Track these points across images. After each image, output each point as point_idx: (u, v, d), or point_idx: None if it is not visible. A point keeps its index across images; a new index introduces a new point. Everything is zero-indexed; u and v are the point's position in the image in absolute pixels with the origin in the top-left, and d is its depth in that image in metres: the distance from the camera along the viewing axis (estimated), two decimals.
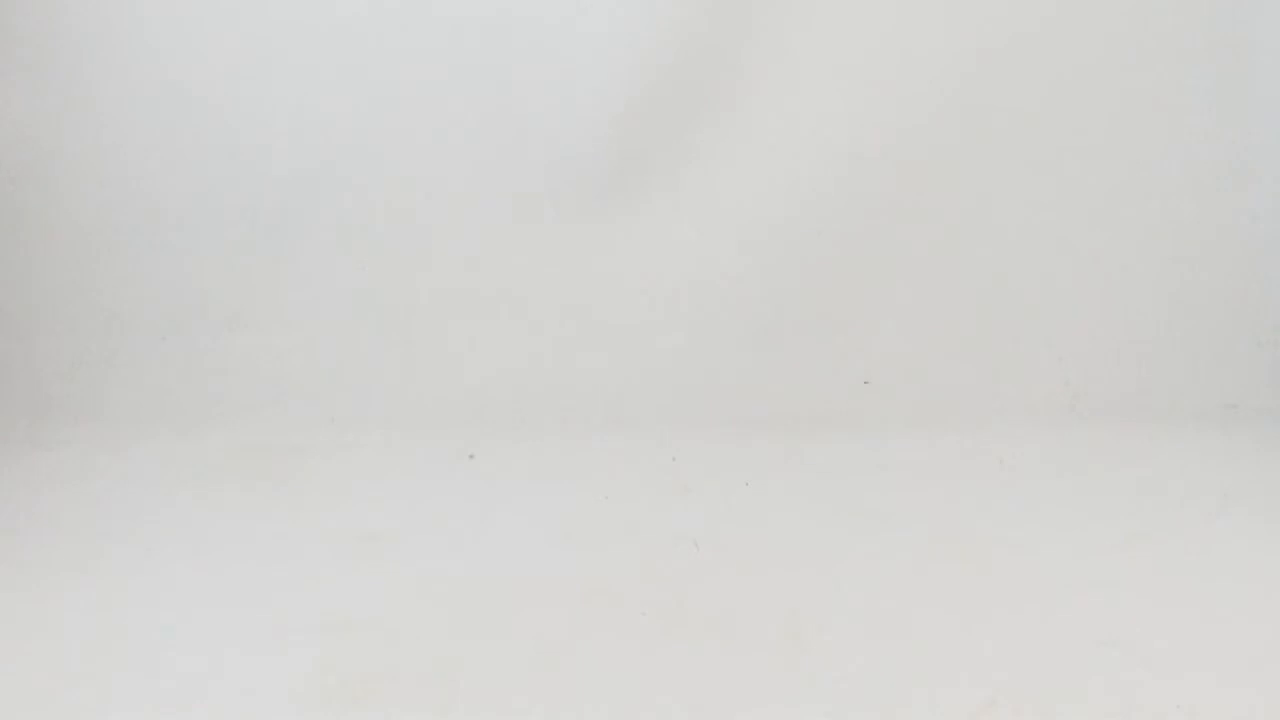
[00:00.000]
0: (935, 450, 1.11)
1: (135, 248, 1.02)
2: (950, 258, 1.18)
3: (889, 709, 0.71)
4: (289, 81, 1.17)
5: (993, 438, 1.11)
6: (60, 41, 1.05)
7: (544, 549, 0.94)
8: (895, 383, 1.16)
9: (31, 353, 1.01)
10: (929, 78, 1.16)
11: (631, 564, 0.90)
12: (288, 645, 0.79)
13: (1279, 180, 1.01)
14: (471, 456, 1.10)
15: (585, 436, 1.14)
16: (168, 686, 0.75)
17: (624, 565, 0.90)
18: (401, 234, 1.19)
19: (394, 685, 0.74)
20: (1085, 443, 1.12)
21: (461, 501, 1.03)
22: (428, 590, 0.87)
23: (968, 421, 1.14)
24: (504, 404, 1.16)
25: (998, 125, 1.17)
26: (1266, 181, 1.01)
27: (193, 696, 0.74)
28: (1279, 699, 0.72)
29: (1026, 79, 1.15)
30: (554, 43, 1.17)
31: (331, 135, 1.18)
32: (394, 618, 0.83)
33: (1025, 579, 0.87)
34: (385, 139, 1.18)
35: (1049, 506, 1.00)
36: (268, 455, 1.11)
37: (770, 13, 1.15)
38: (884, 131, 1.17)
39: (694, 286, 1.19)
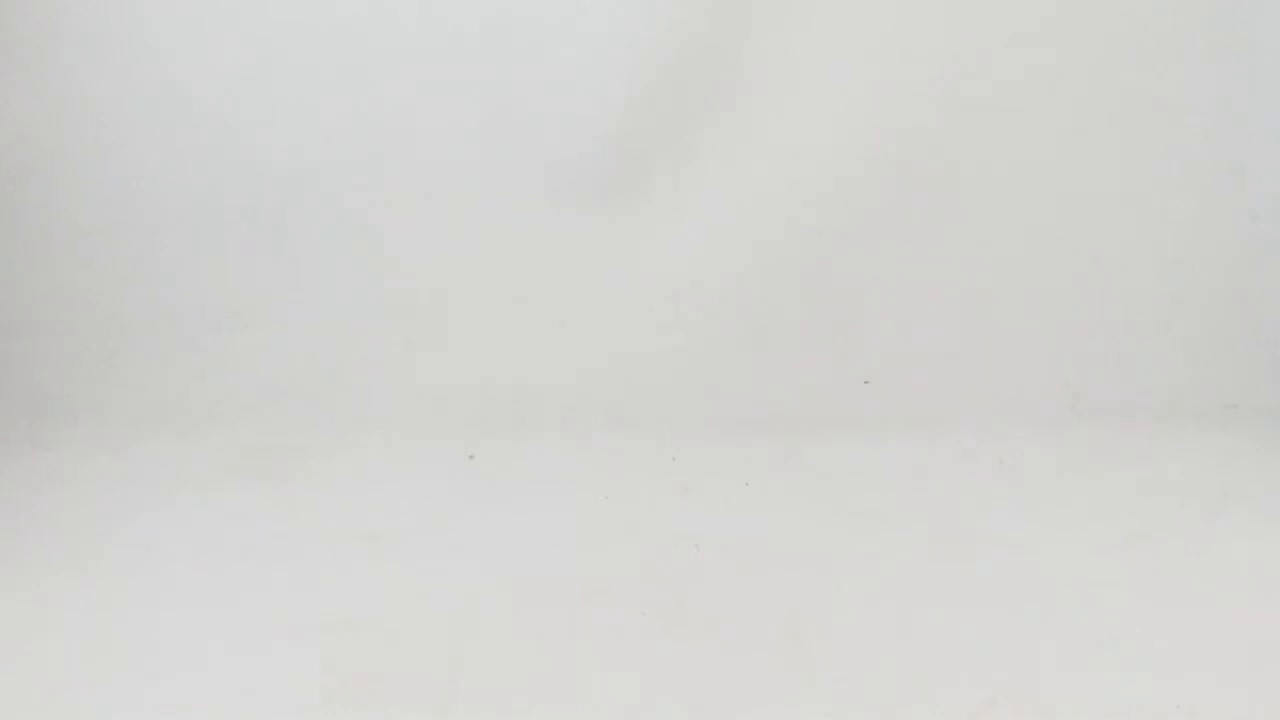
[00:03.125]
0: (935, 450, 1.11)
1: (135, 248, 1.02)
2: (950, 258, 1.18)
3: (889, 709, 0.71)
4: (289, 81, 1.17)
5: (993, 438, 1.11)
6: (60, 41, 1.04)
7: (544, 549, 0.94)
8: (895, 383, 1.16)
9: (31, 353, 1.00)
10: (929, 78, 1.16)
11: (631, 564, 0.90)
12: (288, 645, 0.79)
13: (1279, 180, 1.00)
14: (471, 457, 1.10)
15: (585, 436, 1.15)
16: (168, 686, 0.75)
17: (624, 565, 0.90)
18: (401, 234, 1.19)
19: (394, 685, 0.75)
20: (1085, 443, 1.12)
21: (461, 501, 1.03)
22: (428, 590, 0.87)
23: (968, 421, 1.14)
24: (504, 404, 1.16)
25: (998, 125, 1.16)
26: (1266, 181, 1.00)
27: (193, 697, 0.73)
28: (1279, 699, 0.72)
29: (1026, 78, 1.15)
30: (554, 43, 1.18)
31: (332, 135, 1.18)
32: (394, 618, 0.83)
33: (1025, 579, 0.87)
34: (385, 139, 1.17)
35: (1049, 506, 1.00)
36: (268, 455, 1.11)
37: (770, 13, 1.15)
38: (884, 131, 1.17)
39: (694, 286, 1.19)
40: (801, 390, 1.14)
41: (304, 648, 0.78)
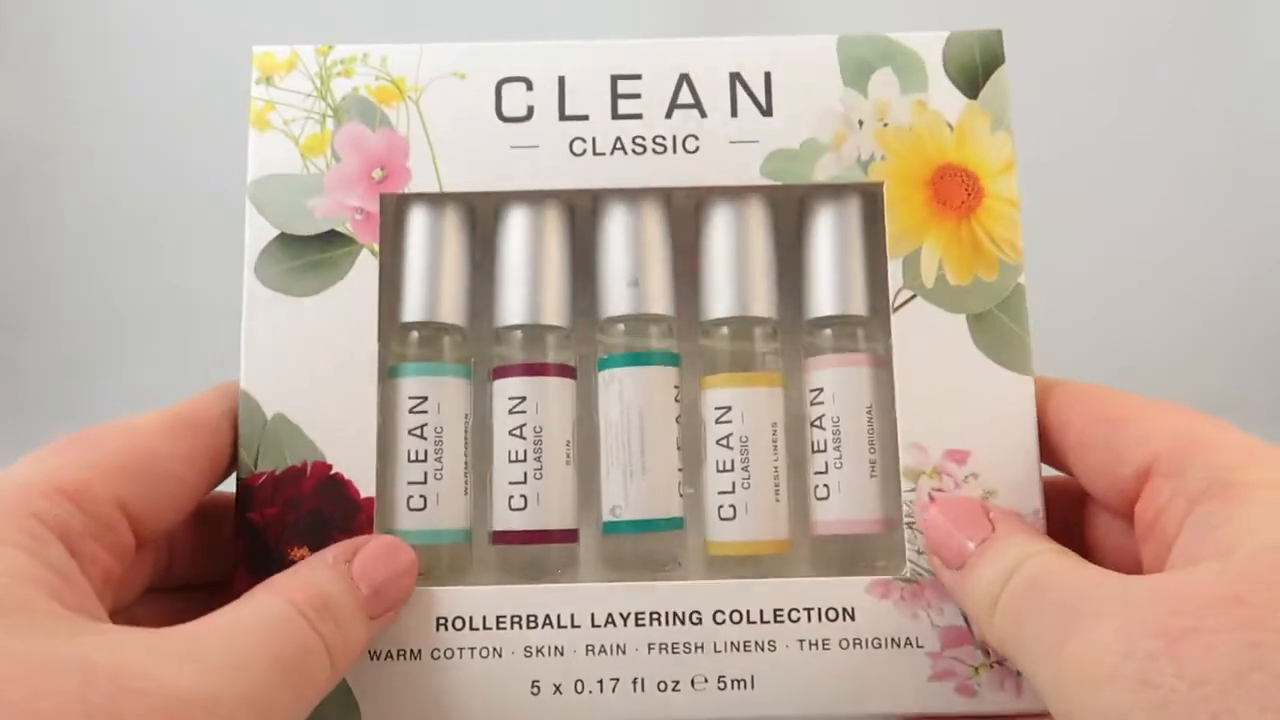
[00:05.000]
0: None
1: (135, 247, 0.87)
2: None
3: None
4: None
5: None
6: (60, 39, 0.88)
7: None
8: None
9: (31, 352, 0.86)
10: None
11: None
12: None
13: (1279, 180, 0.92)
14: None
15: None
16: None
17: None
18: None
19: None
20: None
21: None
22: None
23: None
24: None
25: None
26: (1267, 181, 0.91)
27: None
28: None
29: (1027, 78, 0.99)
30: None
31: None
32: None
33: None
34: None
35: None
36: None
37: None
38: None
39: None
40: None
41: None
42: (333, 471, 0.44)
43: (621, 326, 0.47)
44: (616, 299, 0.46)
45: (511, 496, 0.45)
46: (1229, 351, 0.78)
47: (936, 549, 0.42)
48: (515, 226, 0.47)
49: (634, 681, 0.42)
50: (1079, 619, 0.33)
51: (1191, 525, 0.36)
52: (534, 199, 0.47)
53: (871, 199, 0.48)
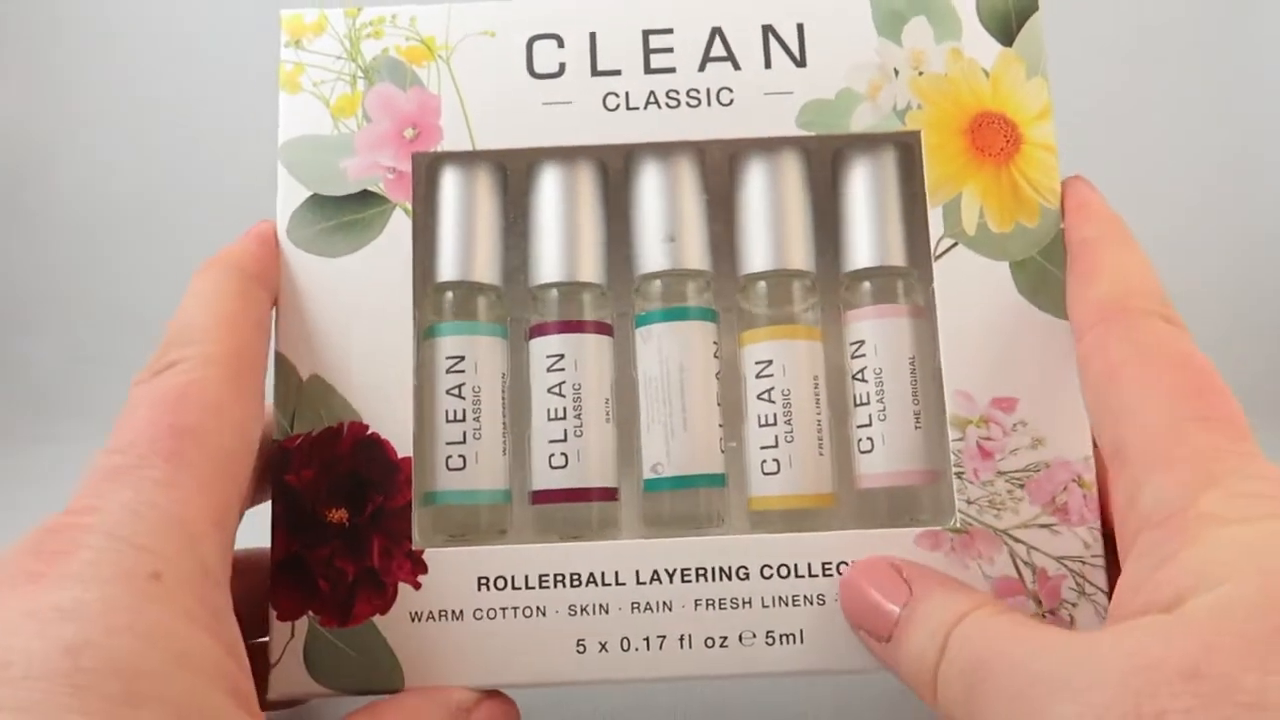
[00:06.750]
0: None
1: (135, 247, 0.87)
2: None
3: None
4: None
5: None
6: (68, 32, 0.89)
7: None
8: None
9: (31, 351, 0.86)
10: None
11: None
12: None
13: (1279, 180, 0.95)
14: None
15: None
16: None
17: None
18: None
19: None
20: None
21: None
22: None
23: None
24: None
25: None
26: (1267, 181, 0.95)
27: None
28: None
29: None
30: None
31: None
32: None
33: None
34: None
35: None
36: None
37: None
38: None
39: None
40: None
41: None
42: (369, 432, 0.43)
43: (658, 283, 0.46)
44: (653, 255, 0.46)
45: (551, 455, 0.44)
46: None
47: (861, 620, 0.39)
48: (549, 184, 0.47)
49: (680, 638, 0.42)
50: (1034, 707, 0.30)
51: (1139, 553, 0.33)
52: (567, 156, 0.47)
53: (907, 150, 0.47)
